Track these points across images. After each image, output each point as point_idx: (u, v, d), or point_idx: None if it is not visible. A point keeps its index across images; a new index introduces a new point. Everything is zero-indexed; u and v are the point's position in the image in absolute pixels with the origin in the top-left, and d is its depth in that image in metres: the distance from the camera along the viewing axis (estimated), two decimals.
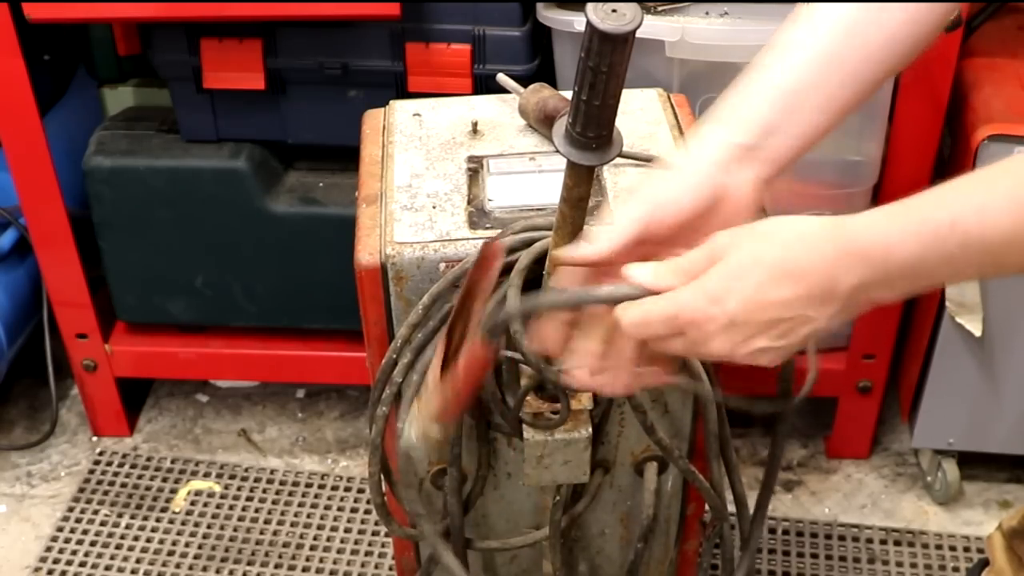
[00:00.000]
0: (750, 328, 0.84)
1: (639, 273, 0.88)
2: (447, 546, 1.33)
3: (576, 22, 1.69)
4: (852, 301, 0.83)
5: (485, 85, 1.72)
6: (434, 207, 1.27)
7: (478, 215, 1.26)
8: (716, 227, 0.89)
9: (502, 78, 1.47)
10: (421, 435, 1.03)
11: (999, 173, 0.80)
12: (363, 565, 1.99)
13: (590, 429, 1.23)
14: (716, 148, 0.94)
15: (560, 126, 0.97)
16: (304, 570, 1.99)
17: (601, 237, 0.92)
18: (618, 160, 1.23)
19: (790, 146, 0.94)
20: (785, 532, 2.03)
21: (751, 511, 1.40)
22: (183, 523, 2.07)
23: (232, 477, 2.16)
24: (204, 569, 1.99)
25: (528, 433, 1.23)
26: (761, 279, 0.83)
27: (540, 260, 1.14)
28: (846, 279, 0.82)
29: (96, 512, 2.10)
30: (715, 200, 0.93)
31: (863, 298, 0.84)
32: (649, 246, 0.92)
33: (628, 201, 0.93)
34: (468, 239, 1.22)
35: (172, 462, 2.19)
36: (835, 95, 0.95)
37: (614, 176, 1.31)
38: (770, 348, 0.85)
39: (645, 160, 1.33)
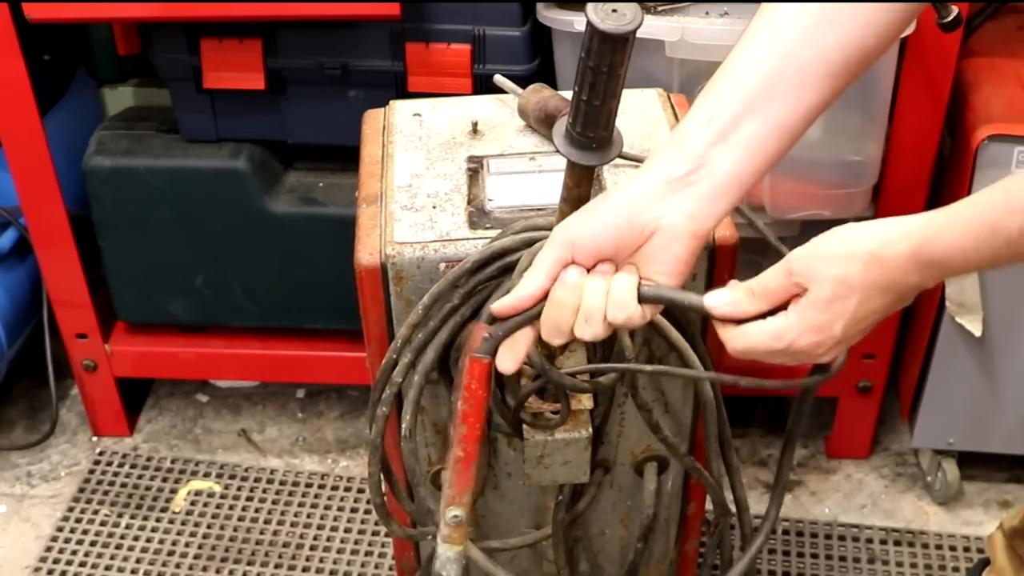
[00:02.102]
0: (853, 338, 0.94)
1: (717, 304, 0.95)
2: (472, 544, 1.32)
3: (576, 22, 1.69)
4: (917, 293, 0.93)
5: (485, 85, 1.72)
6: (434, 207, 1.27)
7: (478, 215, 1.26)
8: (648, 256, 0.95)
9: (500, 79, 1.47)
10: (447, 534, 1.07)
11: None
12: (363, 565, 1.99)
13: (590, 429, 1.23)
14: (641, 186, 0.95)
15: (560, 126, 0.97)
16: (304, 570, 1.99)
17: (524, 286, 0.98)
18: (618, 160, 1.23)
19: (725, 175, 0.95)
20: (785, 532, 2.03)
21: (751, 514, 1.40)
22: (183, 523, 2.07)
23: (232, 477, 2.16)
24: (204, 569, 1.99)
25: (528, 433, 1.23)
26: (858, 302, 0.90)
27: None
28: (926, 283, 0.91)
29: (96, 512, 2.10)
30: (641, 234, 0.95)
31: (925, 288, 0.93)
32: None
33: (547, 239, 0.98)
34: (468, 239, 1.22)
35: (172, 462, 2.19)
36: (772, 118, 0.95)
37: (614, 176, 1.31)
38: (856, 340, 0.95)
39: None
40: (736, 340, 0.94)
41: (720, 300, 0.94)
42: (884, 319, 0.94)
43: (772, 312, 0.93)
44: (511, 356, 1.00)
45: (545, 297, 0.96)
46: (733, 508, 1.40)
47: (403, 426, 1.23)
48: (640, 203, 0.94)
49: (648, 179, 0.95)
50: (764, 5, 0.98)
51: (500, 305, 0.99)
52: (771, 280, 0.93)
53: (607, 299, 0.94)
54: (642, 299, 0.94)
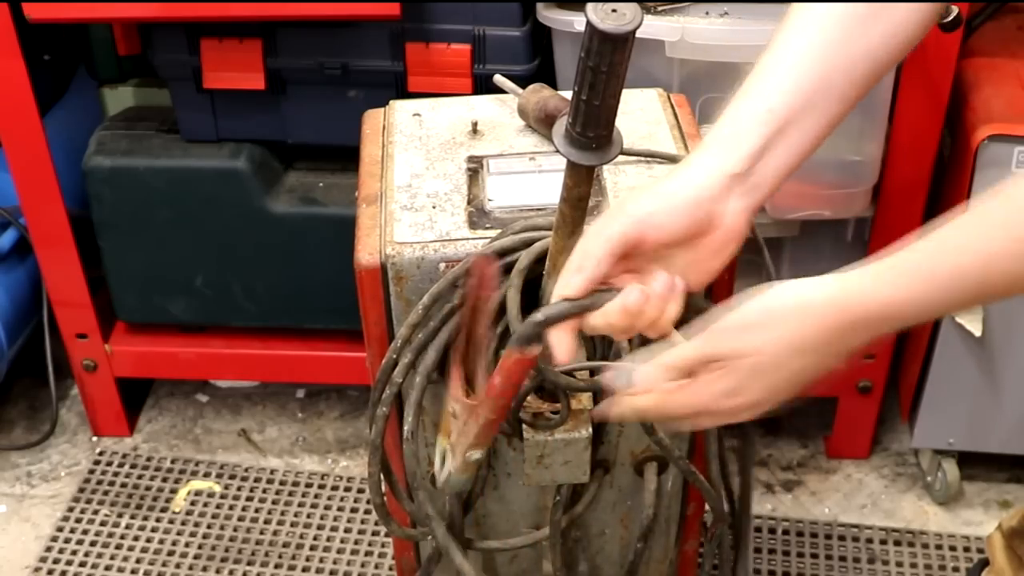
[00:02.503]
0: (772, 397, 0.90)
1: (639, 375, 0.92)
2: (459, 548, 1.32)
3: (576, 22, 1.69)
4: (860, 349, 0.88)
5: (485, 85, 1.72)
6: (434, 207, 1.27)
7: (478, 215, 1.26)
8: (705, 252, 0.93)
9: (499, 79, 1.46)
10: (462, 466, 1.05)
11: (994, 211, 0.82)
12: (363, 565, 1.99)
13: (590, 429, 1.23)
14: (709, 176, 0.93)
15: (560, 126, 0.97)
16: (304, 570, 1.99)
17: (587, 264, 0.92)
18: (618, 159, 1.23)
19: (780, 169, 0.94)
20: (785, 532, 2.03)
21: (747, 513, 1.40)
22: (183, 523, 2.07)
23: (232, 477, 2.16)
24: (204, 569, 1.99)
25: (528, 433, 1.23)
26: (775, 365, 0.88)
27: (540, 260, 1.14)
28: (857, 341, 0.87)
29: (96, 512, 2.10)
30: (705, 226, 0.93)
31: (873, 341, 0.88)
32: (633, 260, 0.93)
33: (615, 215, 0.93)
34: (468, 239, 1.22)
35: (172, 462, 2.19)
36: (826, 112, 0.94)
37: (614, 176, 1.31)
38: (788, 394, 0.91)
39: (647, 156, 1.33)
40: (638, 402, 0.93)
41: (641, 374, 0.93)
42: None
43: None
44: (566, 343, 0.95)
45: (607, 274, 0.92)
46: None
47: (405, 428, 1.23)
48: (710, 195, 0.92)
49: (714, 169, 0.93)
50: (797, 5, 0.96)
51: (570, 288, 0.92)
52: (689, 354, 0.91)
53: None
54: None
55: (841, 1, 0.94)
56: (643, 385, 0.93)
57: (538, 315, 0.93)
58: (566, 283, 0.92)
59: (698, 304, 1.04)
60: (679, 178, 0.94)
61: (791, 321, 0.87)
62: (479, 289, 1.00)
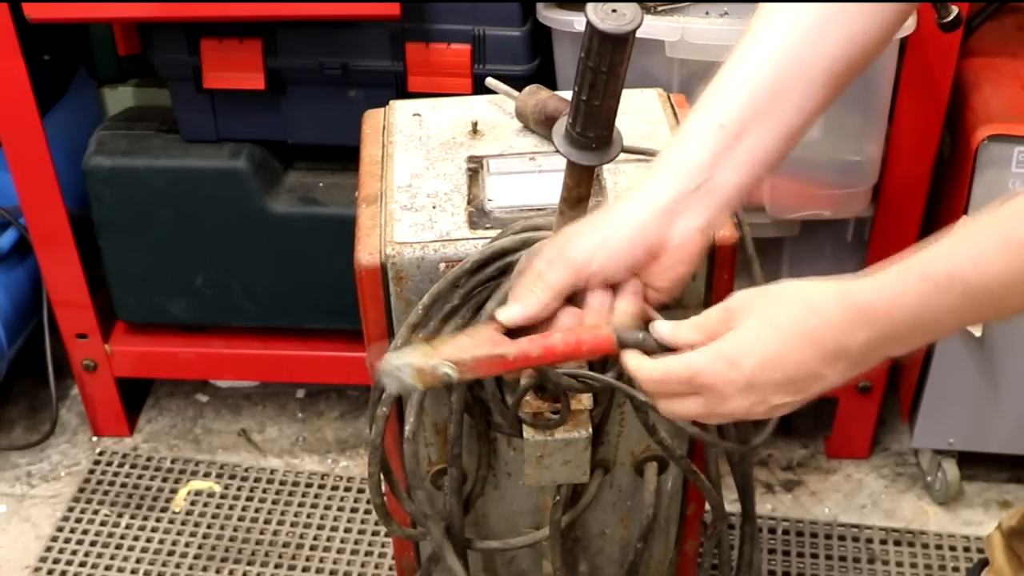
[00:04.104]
0: (767, 388, 0.88)
1: (659, 328, 0.92)
2: (451, 548, 1.32)
3: (576, 22, 1.69)
4: (863, 358, 0.87)
5: (485, 85, 1.72)
6: (434, 207, 1.27)
7: (478, 215, 1.26)
8: (655, 273, 0.94)
9: (492, 82, 1.46)
10: (423, 367, 0.93)
11: (990, 220, 0.82)
12: (363, 565, 1.99)
13: (590, 429, 1.23)
14: (648, 208, 0.93)
15: (560, 126, 0.97)
16: (304, 570, 1.99)
17: (531, 303, 0.94)
18: (618, 159, 1.23)
19: (736, 181, 0.94)
20: (785, 532, 2.03)
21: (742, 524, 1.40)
22: (183, 523, 2.07)
23: (232, 477, 2.16)
24: (204, 569, 1.99)
25: (528, 433, 1.23)
26: (776, 343, 0.87)
27: None
28: (856, 339, 0.85)
29: (96, 512, 2.10)
30: (651, 253, 0.94)
31: (873, 354, 0.87)
32: (584, 290, 0.95)
33: (555, 261, 0.95)
34: (468, 239, 1.22)
35: (172, 462, 2.19)
36: (779, 122, 0.94)
37: (614, 176, 1.31)
38: (784, 404, 0.90)
39: (649, 154, 1.33)
40: (647, 371, 0.92)
41: (663, 327, 0.93)
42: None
43: None
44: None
45: (550, 316, 0.95)
46: (737, 507, 1.40)
47: (406, 428, 1.23)
48: (654, 226, 0.93)
49: (659, 194, 0.93)
50: (763, 5, 0.97)
51: (507, 316, 0.95)
52: (711, 314, 0.91)
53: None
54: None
55: (800, 1, 0.93)
56: (646, 382, 0.92)
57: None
58: (508, 317, 0.95)
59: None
60: (617, 216, 0.95)
61: (799, 306, 0.87)
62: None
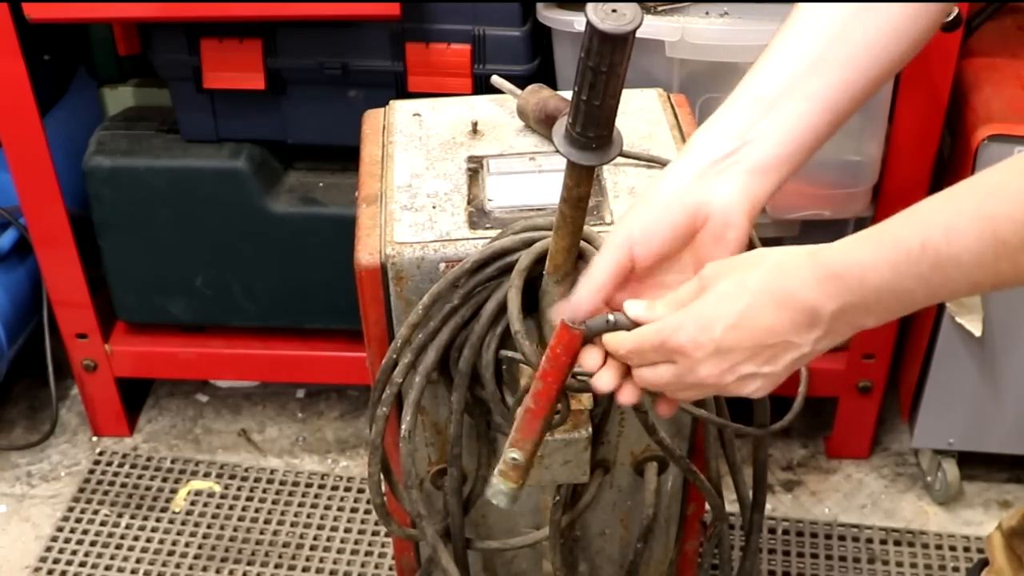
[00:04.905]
0: (737, 354, 0.87)
1: (632, 308, 0.92)
2: (447, 548, 1.33)
3: (576, 22, 1.69)
4: (835, 326, 0.86)
5: (485, 85, 1.72)
6: (434, 207, 1.27)
7: (478, 215, 1.26)
8: (708, 245, 0.93)
9: (497, 80, 1.46)
10: (503, 469, 1.02)
11: (965, 190, 0.81)
12: (363, 565, 1.99)
13: (590, 429, 1.23)
14: (681, 172, 0.94)
15: (560, 126, 0.97)
16: (304, 570, 1.99)
17: (582, 293, 0.94)
18: (618, 160, 1.23)
19: (773, 150, 0.94)
20: (785, 532, 2.03)
21: (751, 514, 1.40)
22: (183, 523, 2.07)
23: (232, 477, 2.16)
24: (204, 569, 1.99)
25: None
26: (746, 304, 0.86)
27: (540, 260, 1.14)
28: (827, 304, 0.84)
29: (96, 512, 2.10)
30: (693, 221, 0.93)
31: (846, 323, 0.86)
32: (640, 275, 0.95)
33: (608, 242, 0.95)
34: (468, 239, 1.22)
35: (172, 462, 2.19)
36: (817, 94, 0.94)
37: (614, 176, 1.31)
38: (757, 374, 0.88)
39: (647, 160, 1.33)
40: (619, 341, 0.91)
41: (637, 305, 0.92)
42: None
43: None
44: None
45: (606, 306, 0.94)
46: (736, 508, 1.40)
47: (403, 427, 1.23)
48: (689, 187, 0.93)
49: (694, 160, 0.94)
50: (800, 5, 0.97)
51: (566, 312, 0.93)
52: (687, 286, 0.90)
53: None
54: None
55: (840, 1, 0.94)
56: (623, 355, 0.92)
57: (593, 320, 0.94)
58: (567, 313, 0.93)
59: None
60: (652, 186, 0.95)
61: (770, 269, 0.86)
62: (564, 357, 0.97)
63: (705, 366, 0.88)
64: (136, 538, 2.05)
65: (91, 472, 2.18)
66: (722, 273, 0.88)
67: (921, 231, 0.80)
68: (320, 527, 2.06)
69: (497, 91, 1.47)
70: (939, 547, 2.00)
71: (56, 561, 2.01)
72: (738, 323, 0.86)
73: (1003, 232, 0.76)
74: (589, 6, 0.88)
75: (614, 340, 0.92)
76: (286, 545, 2.03)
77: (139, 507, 2.11)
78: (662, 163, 1.32)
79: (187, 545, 2.03)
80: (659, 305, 0.91)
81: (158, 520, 2.08)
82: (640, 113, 1.42)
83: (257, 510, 2.09)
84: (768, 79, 0.95)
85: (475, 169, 1.32)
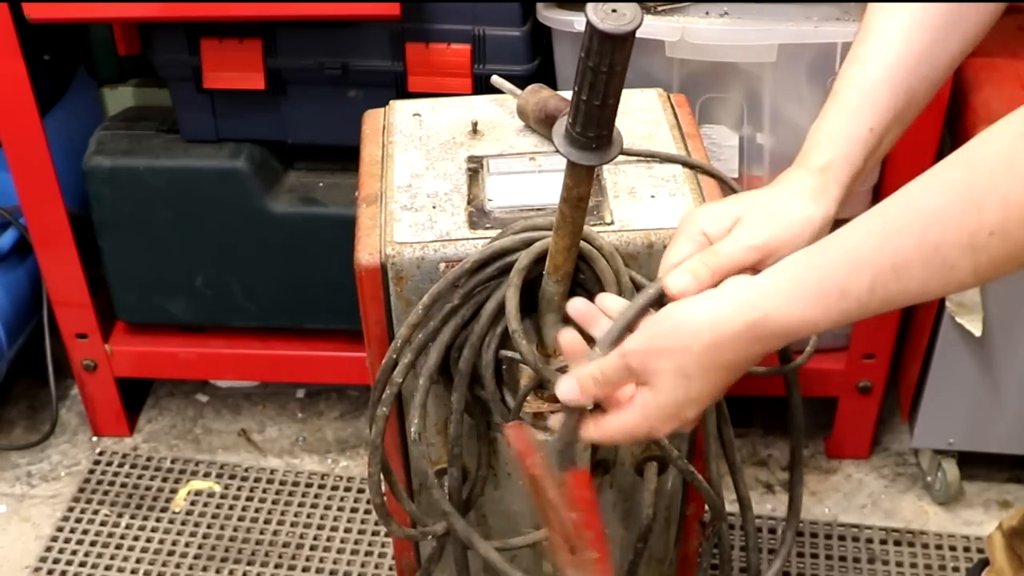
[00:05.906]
0: (693, 416, 0.93)
1: (563, 387, 0.96)
2: (482, 539, 1.31)
3: (576, 22, 1.69)
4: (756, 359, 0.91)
5: (485, 85, 1.72)
6: (434, 207, 1.27)
7: (478, 215, 1.26)
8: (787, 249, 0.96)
9: (498, 80, 1.46)
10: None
11: (903, 218, 0.82)
12: (363, 565, 1.99)
13: None
14: (827, 210, 1.00)
15: (560, 126, 0.97)
16: (304, 570, 1.99)
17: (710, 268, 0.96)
18: (618, 159, 1.23)
19: (857, 174, 0.99)
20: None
21: (753, 513, 1.40)
22: (183, 523, 2.07)
23: (232, 477, 2.16)
24: (204, 569, 1.99)
25: None
26: (700, 383, 0.90)
27: (540, 260, 1.14)
28: (770, 349, 0.89)
29: (96, 512, 2.10)
30: (812, 233, 0.99)
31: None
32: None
33: (741, 240, 0.97)
34: (468, 239, 1.22)
35: (172, 462, 2.19)
36: (909, 121, 0.99)
37: (614, 176, 1.31)
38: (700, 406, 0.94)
39: (647, 156, 1.33)
40: (595, 434, 0.97)
41: (567, 383, 0.96)
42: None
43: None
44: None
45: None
46: (736, 508, 1.40)
47: (411, 430, 1.22)
48: (824, 227, 0.99)
49: (830, 202, 1.00)
50: (878, 5, 0.99)
51: (675, 283, 0.95)
52: (611, 371, 0.93)
53: None
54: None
55: (922, 1, 0.96)
56: (565, 396, 0.96)
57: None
58: (682, 278, 0.95)
59: None
60: (800, 212, 1.00)
61: (706, 344, 0.88)
62: (524, 458, 1.02)
63: (693, 419, 0.94)
64: (136, 538, 2.05)
65: (91, 472, 2.18)
66: (653, 366, 0.90)
67: (868, 274, 0.81)
68: (320, 527, 2.06)
69: (497, 91, 1.47)
70: (939, 547, 2.00)
71: (56, 561, 2.01)
72: (702, 394, 0.91)
73: (951, 258, 0.77)
74: (589, 6, 0.88)
75: (588, 433, 0.98)
76: (286, 545, 2.03)
77: (139, 507, 2.11)
78: (662, 159, 1.32)
79: (187, 545, 2.03)
80: (586, 381, 0.94)
81: (158, 520, 2.08)
82: (640, 113, 1.42)
83: (257, 510, 2.09)
84: (877, 110, 0.98)
85: (475, 169, 1.32)
